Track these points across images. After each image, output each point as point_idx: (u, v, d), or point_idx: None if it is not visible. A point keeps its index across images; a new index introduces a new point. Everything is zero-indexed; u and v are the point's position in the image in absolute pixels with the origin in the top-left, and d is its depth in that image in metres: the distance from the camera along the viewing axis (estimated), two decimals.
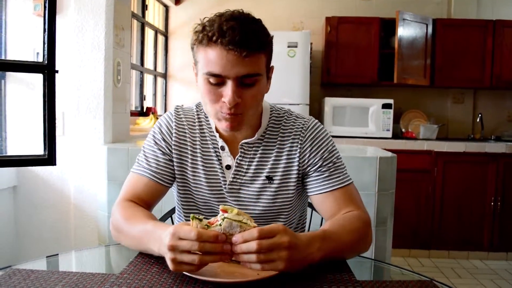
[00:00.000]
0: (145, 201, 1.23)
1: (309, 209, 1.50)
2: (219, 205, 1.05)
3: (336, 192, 1.20)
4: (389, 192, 2.33)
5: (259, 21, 1.12)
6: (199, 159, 1.26)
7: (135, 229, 1.08)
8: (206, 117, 1.29)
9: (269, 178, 1.24)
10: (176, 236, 0.88)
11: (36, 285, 0.88)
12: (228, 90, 1.08)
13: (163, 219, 1.52)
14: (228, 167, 1.25)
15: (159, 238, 0.96)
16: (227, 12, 1.10)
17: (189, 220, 0.94)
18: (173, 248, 0.88)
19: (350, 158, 2.25)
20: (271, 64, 1.19)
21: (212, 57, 1.07)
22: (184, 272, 0.91)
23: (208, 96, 1.12)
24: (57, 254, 1.19)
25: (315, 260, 0.97)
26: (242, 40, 1.04)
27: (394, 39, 4.18)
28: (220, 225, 0.89)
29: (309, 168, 1.24)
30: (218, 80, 1.09)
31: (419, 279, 0.99)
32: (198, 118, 1.30)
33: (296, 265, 0.92)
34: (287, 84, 3.94)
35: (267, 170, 1.24)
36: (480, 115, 4.51)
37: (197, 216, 0.92)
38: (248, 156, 1.25)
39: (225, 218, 0.90)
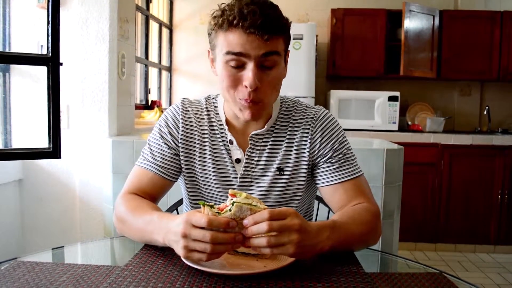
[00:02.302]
0: (150, 195, 1.22)
1: (315, 202, 1.48)
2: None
3: (346, 183, 1.19)
4: (396, 184, 2.31)
5: (277, 6, 1.11)
6: (207, 153, 1.24)
7: (139, 220, 1.07)
8: (216, 110, 1.27)
9: (280, 170, 1.22)
10: (189, 223, 0.87)
11: (40, 277, 0.87)
12: (248, 72, 1.07)
13: (168, 211, 1.51)
14: (238, 160, 1.23)
15: (164, 227, 0.95)
16: None
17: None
18: (185, 236, 0.87)
19: (356, 150, 2.20)
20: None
21: (232, 40, 1.06)
22: (189, 264, 0.90)
23: (227, 81, 1.10)
24: (63, 247, 1.19)
25: (324, 250, 0.95)
26: (263, 23, 1.04)
27: (401, 31, 4.14)
28: (230, 210, 0.88)
29: (319, 159, 1.22)
30: (238, 63, 1.07)
31: (428, 272, 0.98)
32: (207, 111, 1.27)
33: (306, 251, 0.90)
34: (292, 77, 3.89)
35: (277, 161, 1.22)
36: (487, 107, 4.47)
37: (207, 203, 0.91)
38: (258, 147, 1.23)
39: (234, 202, 0.89)
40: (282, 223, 0.86)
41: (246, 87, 1.08)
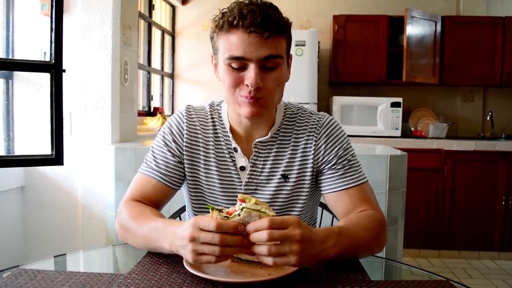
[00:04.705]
0: (153, 202, 1.21)
1: (319, 209, 1.47)
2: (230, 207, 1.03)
3: (351, 190, 1.17)
4: (400, 191, 2.30)
5: (277, 7, 1.12)
6: (212, 160, 1.23)
7: (144, 228, 1.06)
8: (220, 117, 1.26)
9: (285, 177, 1.21)
10: (196, 227, 0.87)
11: (42, 285, 0.87)
12: (250, 72, 1.07)
13: (171, 218, 1.50)
14: (243, 168, 1.22)
15: (171, 234, 0.94)
16: None
17: None
18: (194, 239, 0.86)
19: (360, 157, 2.19)
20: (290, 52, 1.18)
21: (233, 41, 1.06)
22: (193, 272, 0.89)
23: (229, 80, 1.10)
24: (65, 254, 1.18)
25: (330, 256, 0.94)
26: (263, 22, 1.04)
27: (403, 37, 4.14)
28: (239, 215, 0.88)
29: (323, 165, 1.21)
30: (240, 65, 1.08)
31: (435, 279, 0.97)
32: (212, 118, 1.27)
33: (310, 260, 0.89)
34: (294, 83, 3.88)
35: (282, 169, 1.22)
36: (490, 113, 4.45)
37: (216, 207, 0.91)
38: (263, 155, 1.22)
39: (243, 208, 0.88)
40: (283, 233, 0.85)
41: (247, 85, 1.08)
